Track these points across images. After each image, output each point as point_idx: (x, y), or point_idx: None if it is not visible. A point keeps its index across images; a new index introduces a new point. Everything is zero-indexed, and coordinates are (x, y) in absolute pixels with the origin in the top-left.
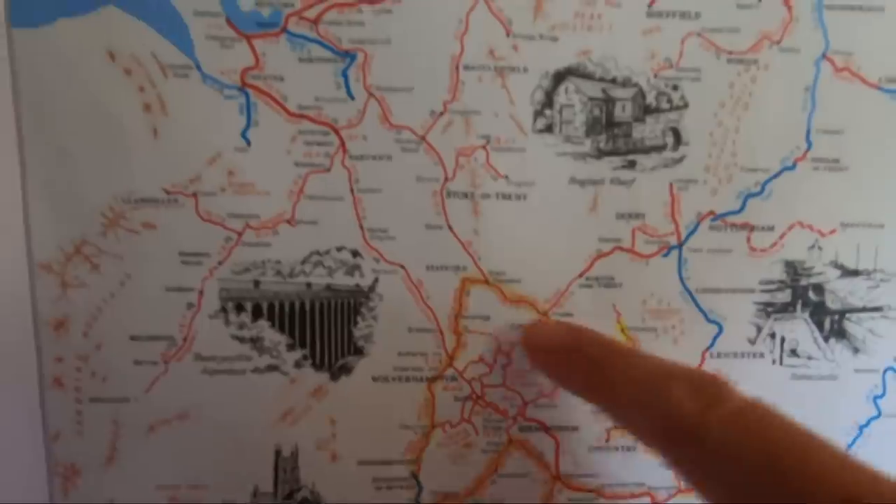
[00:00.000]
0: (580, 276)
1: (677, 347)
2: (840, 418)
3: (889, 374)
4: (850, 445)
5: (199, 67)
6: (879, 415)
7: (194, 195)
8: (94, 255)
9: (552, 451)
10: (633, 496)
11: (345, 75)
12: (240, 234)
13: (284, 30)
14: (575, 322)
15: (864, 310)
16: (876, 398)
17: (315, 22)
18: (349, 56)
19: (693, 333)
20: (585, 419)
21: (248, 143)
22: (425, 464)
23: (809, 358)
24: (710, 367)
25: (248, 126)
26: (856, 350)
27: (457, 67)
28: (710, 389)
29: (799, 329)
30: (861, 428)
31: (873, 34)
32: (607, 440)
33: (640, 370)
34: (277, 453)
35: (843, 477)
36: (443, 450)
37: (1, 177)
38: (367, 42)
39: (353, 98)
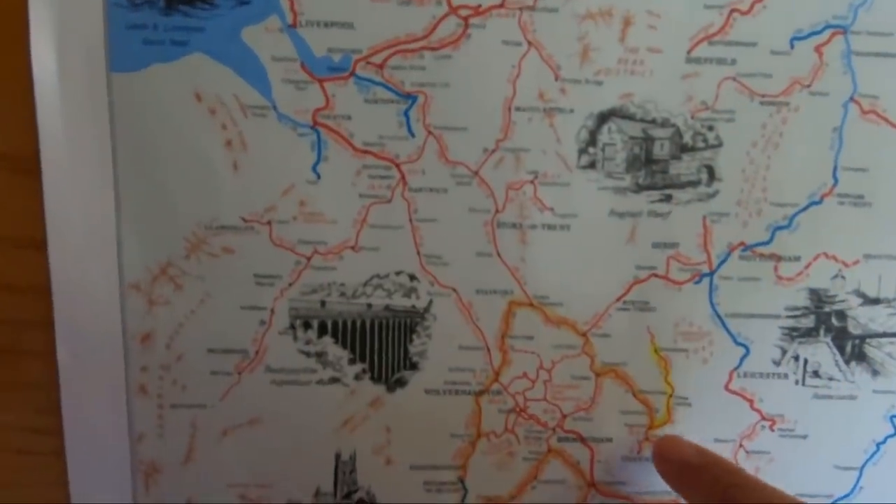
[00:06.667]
0: (618, 300)
1: (706, 367)
2: (858, 435)
3: None
4: (867, 461)
5: (275, 108)
6: (895, 433)
7: (269, 223)
8: (178, 276)
9: (587, 461)
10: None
11: (406, 115)
12: (308, 259)
13: (353, 74)
14: (615, 345)
15: (884, 335)
16: (892, 417)
17: (380, 67)
18: (411, 98)
19: (722, 354)
20: (619, 431)
21: (318, 176)
22: (471, 470)
23: (831, 379)
24: (737, 385)
25: (318, 161)
26: (875, 373)
27: (509, 109)
28: None
29: (821, 352)
30: (878, 445)
31: None
32: (639, 451)
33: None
34: (337, 457)
35: None
36: (487, 457)
37: (96, 205)
38: (427, 85)
39: (413, 136)
